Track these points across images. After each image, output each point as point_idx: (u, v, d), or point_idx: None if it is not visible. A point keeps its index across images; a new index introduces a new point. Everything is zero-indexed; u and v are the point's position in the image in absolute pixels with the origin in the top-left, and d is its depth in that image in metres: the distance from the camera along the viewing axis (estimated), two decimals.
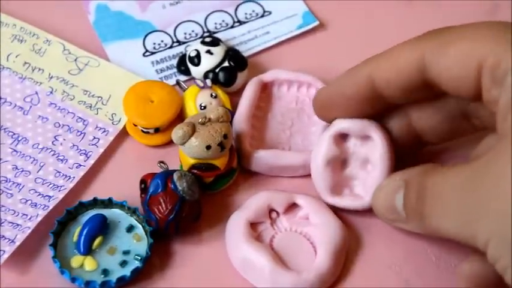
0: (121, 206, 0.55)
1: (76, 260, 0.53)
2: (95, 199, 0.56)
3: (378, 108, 0.55)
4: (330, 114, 0.56)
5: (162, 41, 0.65)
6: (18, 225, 0.55)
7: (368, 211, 0.55)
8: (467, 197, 0.46)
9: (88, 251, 0.53)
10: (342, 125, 0.55)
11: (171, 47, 0.65)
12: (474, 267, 0.49)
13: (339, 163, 0.56)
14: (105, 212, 0.55)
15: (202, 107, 0.59)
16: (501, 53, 0.47)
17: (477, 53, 0.47)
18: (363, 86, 0.53)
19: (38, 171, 0.57)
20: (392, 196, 0.52)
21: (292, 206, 0.56)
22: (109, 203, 0.56)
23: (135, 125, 0.60)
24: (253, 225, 0.55)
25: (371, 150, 0.56)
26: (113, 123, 0.60)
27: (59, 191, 0.56)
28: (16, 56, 0.63)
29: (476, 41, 0.48)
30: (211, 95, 0.60)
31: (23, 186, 0.57)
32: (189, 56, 0.62)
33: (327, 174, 0.55)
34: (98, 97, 0.61)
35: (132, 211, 0.55)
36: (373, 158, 0.55)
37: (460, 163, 0.48)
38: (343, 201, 0.56)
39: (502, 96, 0.46)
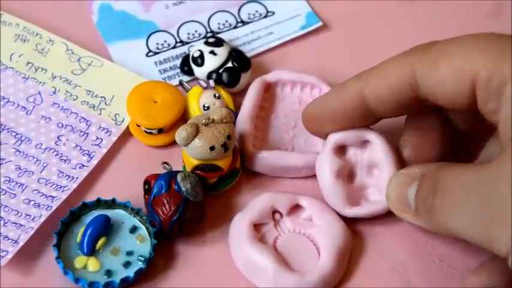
0: (124, 206, 0.55)
1: (79, 261, 0.53)
2: (98, 200, 0.56)
3: (370, 123, 0.55)
4: (321, 129, 0.56)
5: (165, 41, 0.65)
6: (21, 225, 0.55)
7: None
8: (481, 198, 0.45)
9: (91, 251, 0.53)
10: (337, 136, 0.55)
11: (174, 47, 0.65)
12: (483, 280, 0.50)
13: (345, 176, 0.56)
14: (109, 212, 0.55)
15: (206, 108, 0.59)
16: (493, 65, 0.47)
17: (469, 68, 0.48)
18: (354, 103, 0.53)
19: (41, 172, 0.57)
20: (406, 187, 0.51)
21: (296, 207, 0.56)
22: (112, 204, 0.56)
23: (139, 126, 0.60)
24: (257, 227, 0.55)
25: (373, 153, 0.56)
26: (116, 123, 0.60)
27: (62, 191, 0.56)
28: (19, 56, 0.63)
29: (466, 56, 0.48)
30: (215, 96, 0.60)
31: (26, 187, 0.57)
32: (193, 56, 0.62)
33: (338, 187, 0.55)
34: (101, 97, 0.61)
35: (136, 212, 0.55)
36: (378, 159, 0.55)
37: (472, 163, 0.48)
38: (363, 209, 0.55)
39: (503, 107, 0.47)
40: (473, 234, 0.46)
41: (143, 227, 0.55)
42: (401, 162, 0.55)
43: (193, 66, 0.62)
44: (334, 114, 0.54)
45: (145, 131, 0.59)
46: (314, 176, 0.57)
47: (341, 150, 0.56)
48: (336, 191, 0.55)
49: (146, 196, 0.55)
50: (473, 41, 0.49)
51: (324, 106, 0.55)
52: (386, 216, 0.56)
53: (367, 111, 0.53)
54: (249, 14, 0.67)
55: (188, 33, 0.65)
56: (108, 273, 0.53)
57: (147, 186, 0.55)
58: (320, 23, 0.66)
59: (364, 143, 0.56)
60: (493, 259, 0.50)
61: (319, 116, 0.55)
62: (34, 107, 0.60)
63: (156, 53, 0.64)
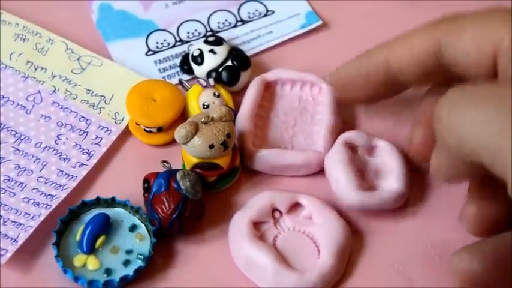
0: (124, 205, 0.55)
1: (79, 259, 0.53)
2: (97, 198, 0.55)
3: (393, 92, 0.56)
4: (347, 94, 0.57)
5: (165, 40, 0.65)
6: (20, 224, 0.54)
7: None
8: (498, 102, 0.43)
9: (91, 250, 0.53)
10: (346, 134, 0.57)
11: (174, 46, 0.65)
12: (464, 262, 0.50)
13: (355, 169, 0.56)
14: (108, 211, 0.55)
15: (205, 106, 0.59)
16: None
17: (492, 36, 0.49)
18: (379, 70, 0.54)
19: (40, 171, 0.57)
20: None
21: (296, 206, 0.56)
22: (112, 202, 0.56)
23: (138, 124, 0.60)
24: (257, 225, 0.55)
25: (379, 159, 0.57)
26: (115, 122, 0.60)
27: (62, 190, 0.56)
28: (19, 55, 0.63)
29: (490, 25, 0.50)
30: (214, 94, 0.59)
31: (25, 186, 0.57)
32: (192, 55, 0.62)
33: (348, 169, 0.55)
34: (101, 96, 0.61)
35: (135, 210, 0.55)
36: (385, 166, 0.57)
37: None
38: (371, 198, 0.55)
39: None
40: (479, 140, 0.43)
41: (143, 225, 0.55)
42: (409, 170, 0.56)
43: (193, 65, 0.62)
44: (361, 79, 0.55)
45: (145, 130, 0.59)
46: (314, 174, 0.57)
47: (351, 149, 0.57)
48: (347, 171, 0.55)
49: (146, 194, 0.55)
50: (494, 14, 0.50)
51: (352, 71, 0.56)
52: (387, 214, 0.56)
53: (390, 79, 0.54)
54: (248, 13, 0.67)
55: (188, 32, 0.65)
56: (108, 271, 0.53)
57: (146, 185, 0.55)
58: (320, 22, 0.66)
59: (372, 149, 0.57)
60: (478, 243, 0.50)
61: (347, 80, 0.56)
62: (34, 106, 0.60)
63: (155, 52, 0.64)
